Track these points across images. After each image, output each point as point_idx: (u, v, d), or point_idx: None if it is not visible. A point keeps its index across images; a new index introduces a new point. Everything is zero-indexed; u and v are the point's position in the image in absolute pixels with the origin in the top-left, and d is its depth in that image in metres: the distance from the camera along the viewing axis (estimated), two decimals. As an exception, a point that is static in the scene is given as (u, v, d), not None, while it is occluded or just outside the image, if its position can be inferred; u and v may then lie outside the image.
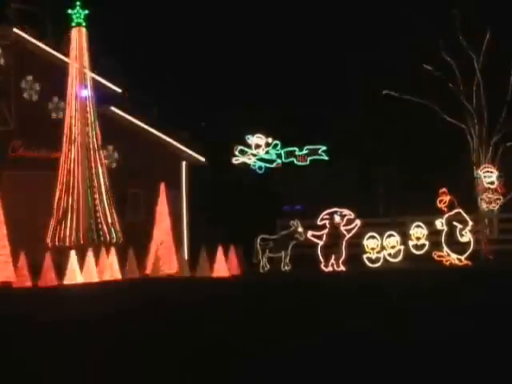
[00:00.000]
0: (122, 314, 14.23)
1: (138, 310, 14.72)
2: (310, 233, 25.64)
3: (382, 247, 26.11)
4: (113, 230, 26.31)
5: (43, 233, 26.04)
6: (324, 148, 28.63)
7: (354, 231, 25.36)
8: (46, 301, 18.85)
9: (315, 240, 25.53)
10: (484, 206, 29.40)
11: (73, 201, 26.05)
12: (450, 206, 25.79)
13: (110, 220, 26.30)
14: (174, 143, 31.97)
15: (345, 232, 25.34)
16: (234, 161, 28.39)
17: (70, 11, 26.92)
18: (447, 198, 25.83)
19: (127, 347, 10.27)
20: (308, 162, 28.48)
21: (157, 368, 8.68)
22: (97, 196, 26.23)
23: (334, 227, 25.41)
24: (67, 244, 25.61)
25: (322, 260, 25.40)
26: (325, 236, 25.42)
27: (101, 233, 26.08)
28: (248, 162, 28.32)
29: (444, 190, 26.04)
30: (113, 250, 24.71)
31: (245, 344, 10.02)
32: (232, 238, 26.53)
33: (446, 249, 25.70)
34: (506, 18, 33.60)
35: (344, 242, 25.32)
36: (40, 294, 21.33)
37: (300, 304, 14.78)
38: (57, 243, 25.88)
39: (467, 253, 25.65)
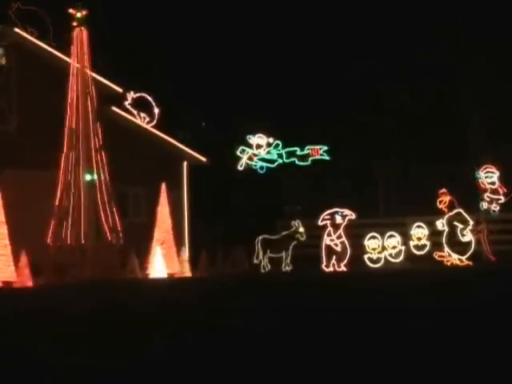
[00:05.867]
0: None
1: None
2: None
3: (383, 247, 26.12)
4: (113, 230, 26.26)
5: (44, 232, 25.99)
6: (325, 148, 28.66)
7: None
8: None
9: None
10: (485, 206, 29.42)
11: (73, 201, 26.01)
12: (451, 207, 25.79)
13: (110, 220, 26.26)
14: (175, 143, 31.93)
15: (342, 233, 25.35)
16: (236, 161, 28.41)
17: (70, 11, 26.91)
18: (447, 199, 25.82)
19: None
20: (309, 162, 28.53)
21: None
22: (97, 196, 26.20)
23: (336, 227, 25.40)
24: (67, 244, 25.60)
25: (324, 260, 25.41)
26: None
27: (101, 233, 26.03)
28: (249, 162, 28.32)
29: (444, 190, 26.04)
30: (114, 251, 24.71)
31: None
32: (233, 238, 26.54)
33: (447, 249, 25.71)
34: (505, 18, 33.69)
35: (346, 243, 25.34)
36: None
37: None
38: (57, 243, 25.83)
39: (468, 253, 25.66)
